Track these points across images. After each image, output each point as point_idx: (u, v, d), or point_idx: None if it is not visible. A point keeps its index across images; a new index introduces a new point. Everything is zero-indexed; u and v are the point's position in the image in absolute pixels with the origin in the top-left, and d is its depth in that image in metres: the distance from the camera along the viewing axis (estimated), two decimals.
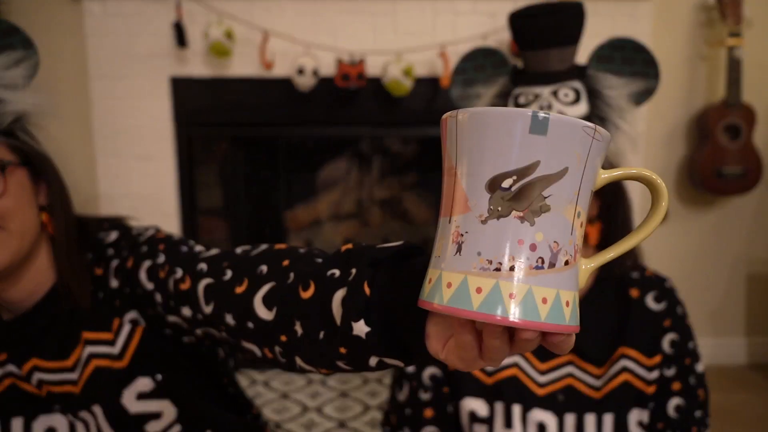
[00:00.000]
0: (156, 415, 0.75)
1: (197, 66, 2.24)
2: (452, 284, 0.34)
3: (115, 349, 0.74)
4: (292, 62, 2.19)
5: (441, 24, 2.26)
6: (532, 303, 0.33)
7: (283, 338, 0.51)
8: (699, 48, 2.42)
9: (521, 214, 0.34)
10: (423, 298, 0.36)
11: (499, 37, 2.24)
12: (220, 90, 2.27)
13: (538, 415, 0.84)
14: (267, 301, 0.54)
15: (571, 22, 0.85)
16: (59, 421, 0.75)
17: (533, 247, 0.34)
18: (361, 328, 0.44)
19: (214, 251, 0.67)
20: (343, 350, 0.46)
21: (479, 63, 0.96)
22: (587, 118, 0.82)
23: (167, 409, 0.75)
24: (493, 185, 0.34)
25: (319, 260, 0.52)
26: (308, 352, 0.49)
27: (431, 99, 2.31)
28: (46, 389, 0.74)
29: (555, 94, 0.83)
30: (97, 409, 0.73)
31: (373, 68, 2.23)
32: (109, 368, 0.74)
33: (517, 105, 0.85)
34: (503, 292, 0.33)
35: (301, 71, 2.15)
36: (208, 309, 0.61)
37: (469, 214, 0.35)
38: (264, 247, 0.61)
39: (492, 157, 0.34)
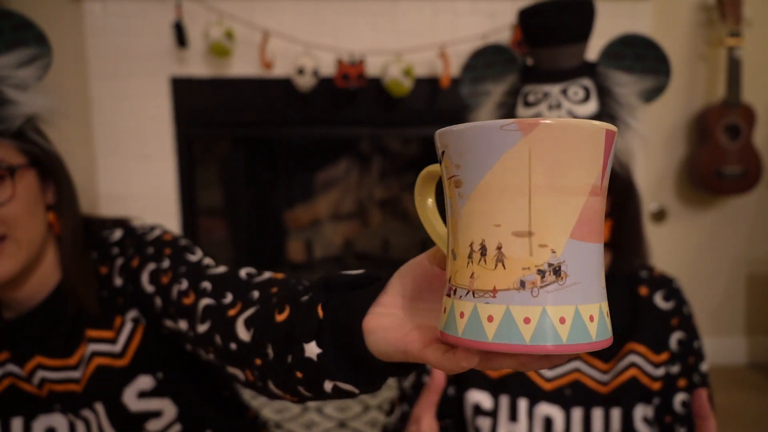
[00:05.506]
0: (156, 414, 0.75)
1: (197, 66, 2.24)
2: (595, 315, 0.33)
3: (117, 348, 0.74)
4: (292, 62, 2.19)
5: (441, 24, 2.26)
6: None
7: (258, 361, 0.52)
8: (699, 48, 2.42)
9: None
10: (589, 340, 0.32)
11: (499, 37, 2.24)
12: (220, 90, 2.27)
13: (545, 409, 0.84)
14: (247, 323, 0.54)
15: (582, 19, 0.84)
16: (59, 420, 0.75)
17: None
18: (312, 349, 0.44)
19: (221, 269, 0.66)
20: (299, 374, 0.46)
21: (489, 60, 0.95)
22: (597, 116, 0.81)
23: (168, 407, 0.75)
24: None
25: (301, 288, 0.52)
26: (277, 376, 0.49)
27: (431, 99, 2.31)
28: (47, 388, 0.74)
29: (564, 92, 0.82)
30: (99, 407, 0.73)
31: (373, 68, 2.23)
32: (111, 366, 0.74)
33: (526, 103, 0.84)
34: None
35: (301, 71, 2.15)
36: (202, 328, 0.61)
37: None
38: (267, 275, 0.62)
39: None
